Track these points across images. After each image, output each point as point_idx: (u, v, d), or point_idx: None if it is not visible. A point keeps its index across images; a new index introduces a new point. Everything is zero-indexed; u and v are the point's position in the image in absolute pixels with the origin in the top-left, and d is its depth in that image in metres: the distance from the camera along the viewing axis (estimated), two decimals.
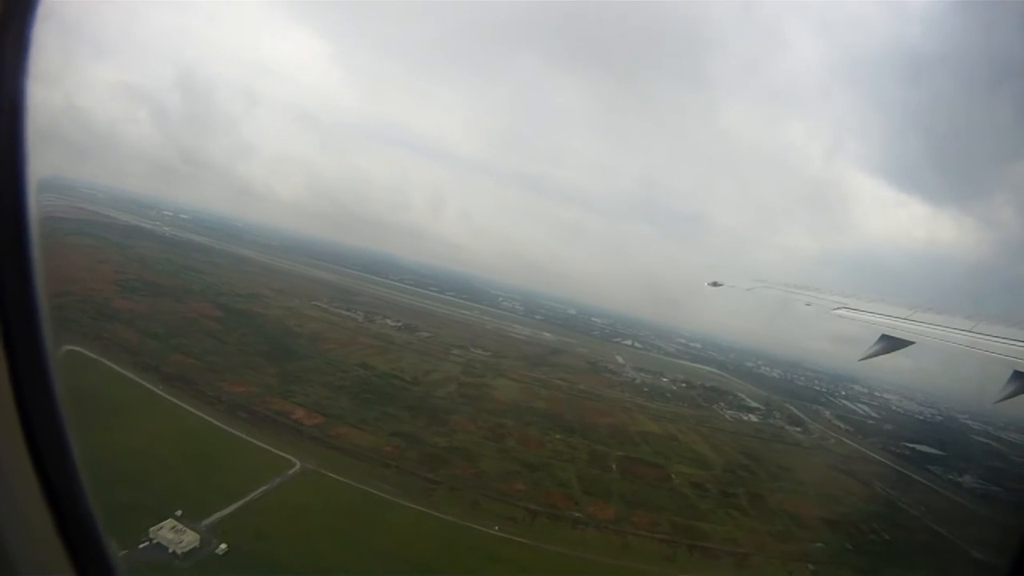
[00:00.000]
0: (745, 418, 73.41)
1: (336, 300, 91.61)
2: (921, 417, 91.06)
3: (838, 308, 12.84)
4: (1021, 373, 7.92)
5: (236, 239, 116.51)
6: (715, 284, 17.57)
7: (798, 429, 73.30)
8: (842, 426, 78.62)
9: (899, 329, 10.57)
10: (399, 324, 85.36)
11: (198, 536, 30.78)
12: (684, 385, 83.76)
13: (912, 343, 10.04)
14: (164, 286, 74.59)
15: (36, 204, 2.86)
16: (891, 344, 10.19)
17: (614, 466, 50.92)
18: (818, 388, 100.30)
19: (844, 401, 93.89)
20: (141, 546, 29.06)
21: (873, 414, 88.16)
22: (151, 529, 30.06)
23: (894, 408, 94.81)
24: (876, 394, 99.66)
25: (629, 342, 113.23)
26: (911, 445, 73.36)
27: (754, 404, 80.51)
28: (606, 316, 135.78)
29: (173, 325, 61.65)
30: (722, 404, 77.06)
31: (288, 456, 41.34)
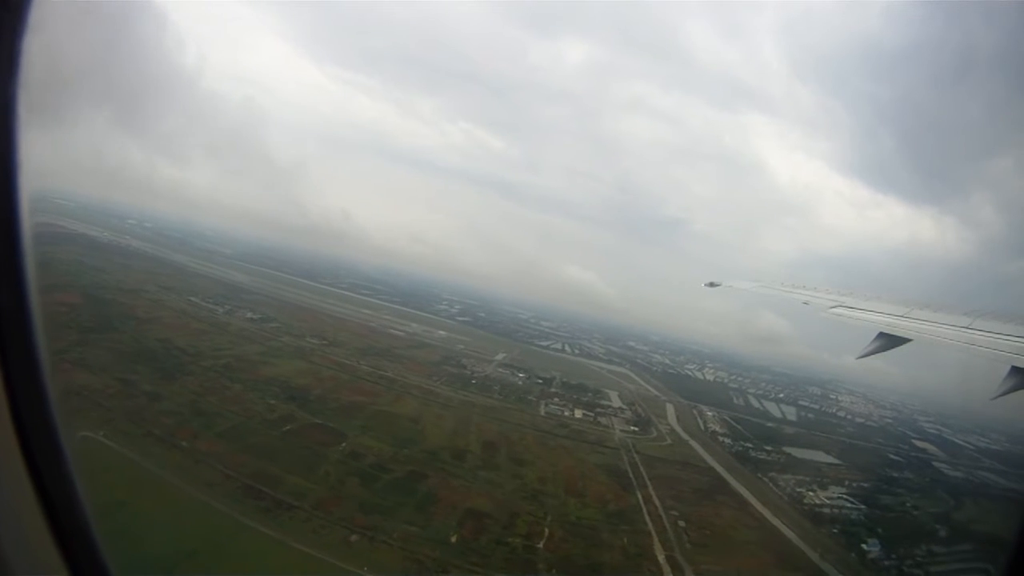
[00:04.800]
0: (566, 414, 60.31)
1: (217, 297, 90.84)
2: (861, 421, 69.88)
3: (835, 307, 12.56)
4: (1018, 369, 7.64)
5: (184, 246, 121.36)
6: (712, 284, 17.09)
7: (634, 428, 58.66)
8: (716, 429, 61.97)
9: (896, 327, 10.37)
10: (256, 317, 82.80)
11: None
12: (540, 382, 71.47)
13: (909, 340, 9.87)
14: (44, 282, 77.88)
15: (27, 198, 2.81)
16: (888, 342, 10.01)
17: (289, 427, 46.48)
18: (752, 391, 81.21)
19: (771, 403, 74.80)
20: None
21: (791, 417, 69.03)
22: None
23: (837, 412, 73.89)
24: (831, 397, 78.72)
25: (547, 343, 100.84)
26: (789, 451, 55.76)
27: (611, 404, 66.53)
28: (560, 320, 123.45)
29: None
30: (557, 401, 64.26)
31: None
